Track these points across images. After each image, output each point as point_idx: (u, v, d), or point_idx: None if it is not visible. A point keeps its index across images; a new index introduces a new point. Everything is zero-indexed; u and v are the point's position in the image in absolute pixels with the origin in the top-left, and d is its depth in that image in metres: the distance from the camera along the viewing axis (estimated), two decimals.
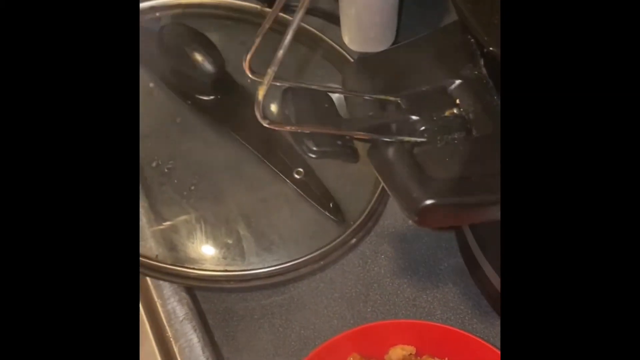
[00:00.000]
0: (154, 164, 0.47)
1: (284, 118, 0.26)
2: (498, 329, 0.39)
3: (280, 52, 0.22)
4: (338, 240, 0.43)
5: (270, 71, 0.23)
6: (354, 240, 0.44)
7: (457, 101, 0.28)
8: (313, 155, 0.25)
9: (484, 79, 0.29)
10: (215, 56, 0.46)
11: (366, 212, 0.44)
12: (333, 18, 0.53)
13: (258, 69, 0.26)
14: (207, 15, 0.56)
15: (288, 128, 0.25)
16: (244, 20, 0.55)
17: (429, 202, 0.25)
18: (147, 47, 0.53)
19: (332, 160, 0.46)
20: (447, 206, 0.25)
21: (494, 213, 0.26)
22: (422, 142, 0.27)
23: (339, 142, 0.26)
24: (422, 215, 0.25)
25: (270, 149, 0.46)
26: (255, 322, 0.41)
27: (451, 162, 0.27)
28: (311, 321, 0.41)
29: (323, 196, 0.44)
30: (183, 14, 0.56)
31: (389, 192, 0.26)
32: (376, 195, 0.45)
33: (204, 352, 0.39)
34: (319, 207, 0.44)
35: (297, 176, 0.45)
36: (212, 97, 0.48)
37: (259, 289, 0.42)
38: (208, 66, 0.46)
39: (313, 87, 0.27)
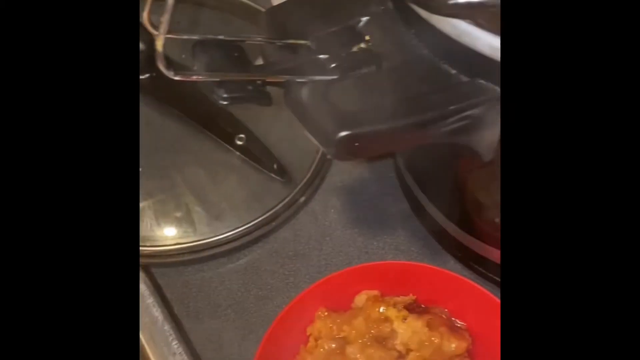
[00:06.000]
0: None
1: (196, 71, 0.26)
2: (449, 265, 0.40)
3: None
4: (286, 200, 0.43)
5: (164, 19, 0.23)
6: (303, 199, 0.44)
7: (367, 37, 0.29)
8: (225, 102, 0.25)
9: (390, 13, 0.29)
10: (142, 32, 0.46)
11: (312, 170, 0.45)
12: None
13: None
14: None
15: (195, 78, 0.25)
16: None
17: (343, 133, 0.25)
18: None
19: (272, 122, 0.48)
20: (361, 136, 0.25)
21: (407, 139, 0.26)
22: (334, 79, 0.27)
23: (250, 87, 0.26)
24: (339, 148, 0.25)
25: (211, 119, 0.46)
26: (213, 290, 0.42)
27: (363, 95, 0.27)
28: (268, 282, 0.42)
29: (266, 159, 0.44)
30: None
31: (306, 131, 0.27)
32: (320, 152, 0.46)
33: (164, 326, 0.40)
34: (263, 170, 0.44)
35: (239, 142, 0.45)
36: (146, 76, 0.48)
37: (214, 258, 0.43)
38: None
39: (221, 37, 0.27)
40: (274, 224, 0.43)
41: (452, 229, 0.37)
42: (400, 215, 0.43)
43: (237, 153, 0.45)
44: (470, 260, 0.38)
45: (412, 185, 0.39)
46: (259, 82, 0.26)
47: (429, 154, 0.34)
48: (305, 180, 0.44)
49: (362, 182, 0.45)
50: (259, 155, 0.45)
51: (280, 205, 0.43)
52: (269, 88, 0.28)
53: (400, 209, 0.43)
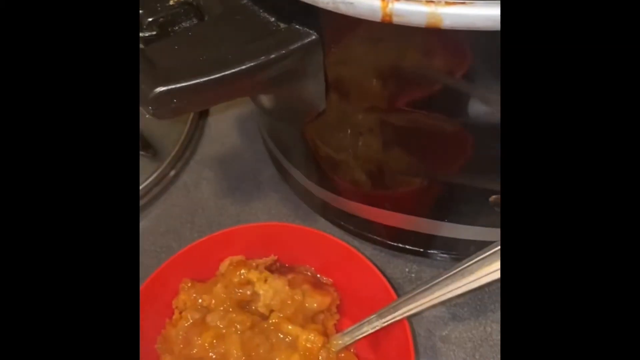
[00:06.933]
0: None
1: None
2: (318, 224, 0.40)
3: None
4: (154, 175, 0.42)
5: None
6: (173, 172, 0.43)
7: None
8: None
9: None
10: None
11: (180, 142, 0.43)
12: None
13: None
14: None
15: None
16: None
17: (158, 90, 0.24)
18: None
19: None
20: (178, 91, 0.24)
21: (229, 91, 0.26)
22: (153, 35, 0.26)
23: None
24: (156, 104, 0.24)
25: None
26: None
27: (184, 50, 0.26)
28: (140, 261, 0.40)
29: None
30: None
31: None
32: (188, 124, 0.44)
33: None
34: None
35: None
36: None
37: None
38: None
39: None
40: (143, 201, 0.42)
41: (314, 188, 0.37)
42: (270, 181, 0.42)
43: None
44: (335, 217, 0.38)
45: (275, 151, 0.39)
46: None
47: (279, 117, 0.34)
48: (174, 153, 0.43)
49: (235, 151, 0.44)
50: None
51: (148, 181, 0.42)
52: None
53: (271, 175, 0.43)
